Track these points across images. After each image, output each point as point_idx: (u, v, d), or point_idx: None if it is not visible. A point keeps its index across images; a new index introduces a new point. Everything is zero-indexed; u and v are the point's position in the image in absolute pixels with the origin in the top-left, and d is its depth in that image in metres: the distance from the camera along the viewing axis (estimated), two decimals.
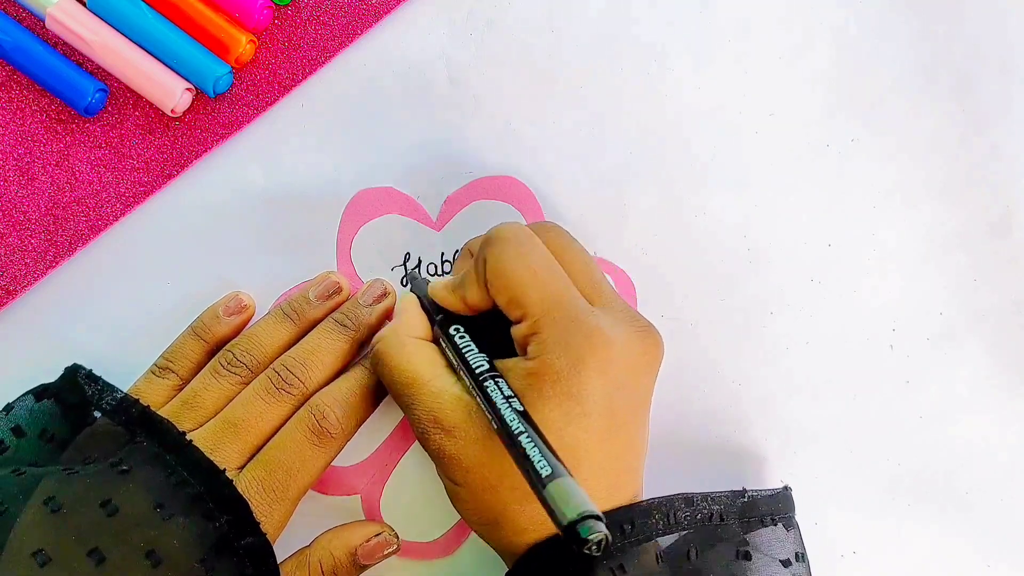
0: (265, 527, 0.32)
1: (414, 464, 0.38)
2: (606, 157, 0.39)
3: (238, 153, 0.40)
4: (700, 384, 0.38)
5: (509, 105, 0.40)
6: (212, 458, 0.33)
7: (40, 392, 0.35)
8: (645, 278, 0.39)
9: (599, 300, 0.33)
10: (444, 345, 0.34)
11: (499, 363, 0.32)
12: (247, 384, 0.35)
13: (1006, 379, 0.38)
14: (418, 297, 0.35)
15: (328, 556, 0.34)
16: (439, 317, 0.34)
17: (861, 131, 0.39)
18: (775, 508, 0.34)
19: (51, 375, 0.36)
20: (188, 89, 0.39)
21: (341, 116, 0.40)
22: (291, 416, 0.35)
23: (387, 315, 0.38)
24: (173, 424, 0.34)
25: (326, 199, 0.39)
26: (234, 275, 0.39)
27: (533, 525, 0.31)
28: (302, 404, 0.35)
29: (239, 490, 0.32)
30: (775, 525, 0.33)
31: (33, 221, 0.39)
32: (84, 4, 0.39)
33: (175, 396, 0.36)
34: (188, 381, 0.36)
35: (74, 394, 0.35)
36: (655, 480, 0.37)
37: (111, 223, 0.39)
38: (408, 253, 0.39)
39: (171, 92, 0.39)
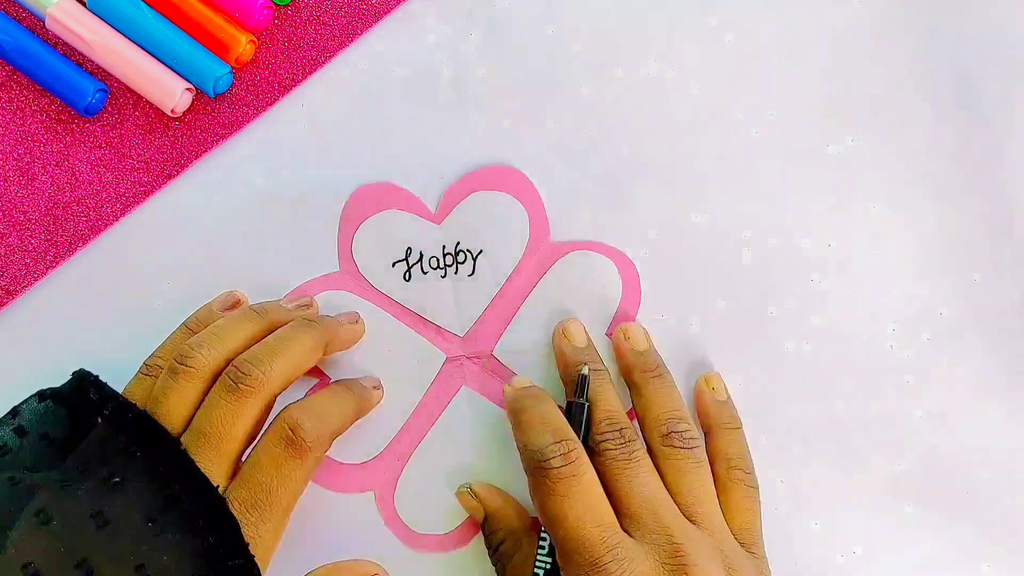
0: (255, 547, 0.31)
1: (426, 458, 0.38)
2: (605, 158, 0.39)
3: (238, 153, 0.40)
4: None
5: (509, 105, 0.40)
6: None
7: (46, 395, 0.35)
8: (645, 278, 0.39)
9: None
10: None
11: None
12: (209, 382, 0.34)
13: (1006, 379, 0.38)
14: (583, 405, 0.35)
15: None
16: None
17: (861, 131, 0.39)
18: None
19: (51, 375, 0.36)
20: (188, 89, 0.39)
21: (341, 116, 0.40)
22: (259, 417, 0.34)
23: (355, 321, 0.38)
24: (169, 433, 0.33)
25: (326, 198, 0.39)
26: (235, 275, 0.39)
27: None
28: (267, 402, 0.34)
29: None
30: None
31: (33, 221, 0.39)
32: (84, 4, 0.39)
33: None
34: None
35: (79, 398, 0.35)
36: None
37: (111, 223, 0.39)
38: (409, 247, 0.39)
39: (171, 92, 0.39)
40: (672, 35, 0.40)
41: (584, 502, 0.32)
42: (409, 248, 0.39)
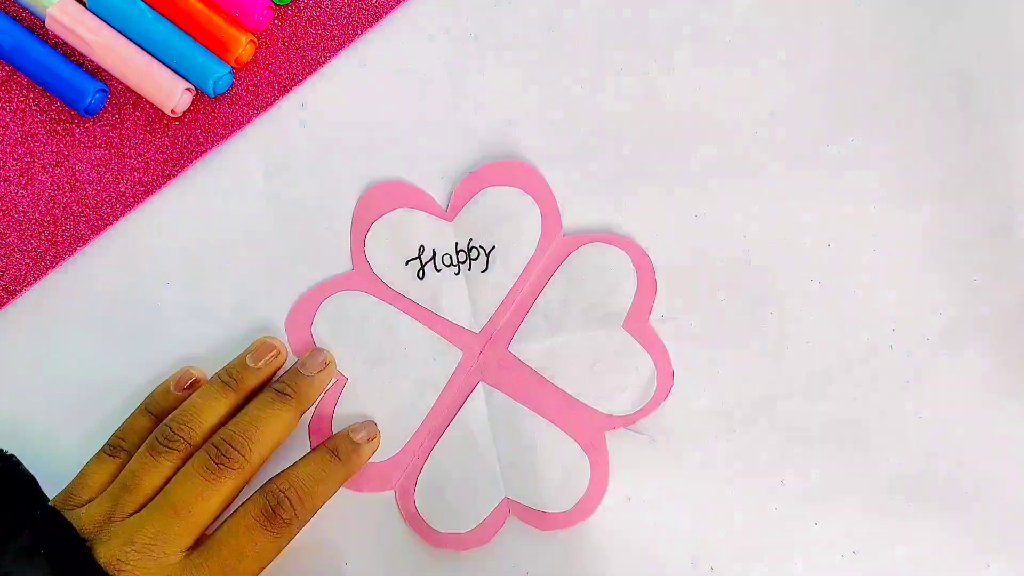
0: None
1: (446, 455, 0.38)
2: (605, 158, 0.39)
3: (238, 153, 0.40)
4: (700, 384, 0.38)
5: (509, 104, 0.40)
6: (157, 545, 0.32)
7: None
8: None
9: None
10: None
11: None
12: (187, 459, 0.34)
13: (1006, 379, 0.38)
14: None
15: None
16: None
17: (861, 131, 0.39)
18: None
19: (51, 375, 0.36)
20: (188, 89, 0.39)
21: (341, 116, 0.40)
22: (235, 492, 0.34)
23: (327, 383, 0.38)
24: (77, 533, 0.32)
25: (328, 198, 0.39)
26: (235, 275, 0.39)
27: None
28: (246, 479, 0.34)
29: None
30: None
31: (33, 221, 0.39)
32: (84, 4, 0.39)
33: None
34: None
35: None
36: (655, 479, 0.37)
37: (111, 223, 0.39)
38: (422, 245, 0.39)
39: (171, 92, 0.39)
40: (672, 34, 0.40)
41: None
42: (422, 246, 0.39)
